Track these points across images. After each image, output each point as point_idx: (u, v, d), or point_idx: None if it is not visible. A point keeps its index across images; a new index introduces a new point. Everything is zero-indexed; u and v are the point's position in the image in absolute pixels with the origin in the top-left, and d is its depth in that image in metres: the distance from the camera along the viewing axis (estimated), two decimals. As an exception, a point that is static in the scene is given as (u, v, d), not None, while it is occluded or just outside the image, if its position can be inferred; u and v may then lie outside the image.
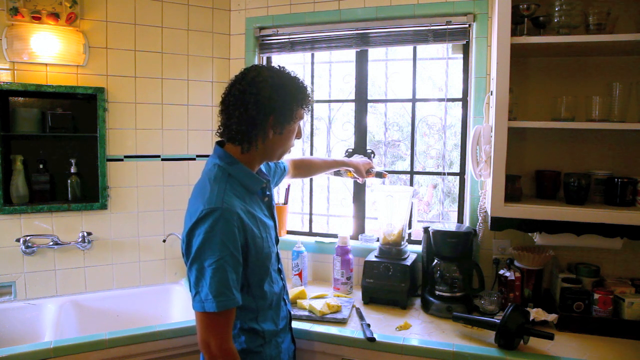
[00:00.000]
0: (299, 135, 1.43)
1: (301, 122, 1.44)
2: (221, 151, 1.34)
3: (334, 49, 2.36)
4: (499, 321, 1.58)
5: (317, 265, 2.37)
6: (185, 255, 1.26)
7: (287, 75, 1.35)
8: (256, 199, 1.39)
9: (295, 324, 1.71)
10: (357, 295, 2.08)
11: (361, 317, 1.84)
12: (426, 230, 2.05)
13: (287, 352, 1.48)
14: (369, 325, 1.74)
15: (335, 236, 2.33)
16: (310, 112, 1.42)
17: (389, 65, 2.47)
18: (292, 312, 1.61)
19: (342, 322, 1.79)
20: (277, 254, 1.49)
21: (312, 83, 2.51)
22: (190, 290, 1.24)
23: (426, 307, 1.94)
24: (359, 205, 2.42)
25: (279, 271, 1.49)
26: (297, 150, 2.61)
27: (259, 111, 1.27)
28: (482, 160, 1.87)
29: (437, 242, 1.97)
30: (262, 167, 1.52)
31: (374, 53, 2.42)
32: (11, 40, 2.03)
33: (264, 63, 2.53)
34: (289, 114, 1.31)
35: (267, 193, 1.45)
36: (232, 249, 1.20)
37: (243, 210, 1.26)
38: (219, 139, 1.38)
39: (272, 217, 1.46)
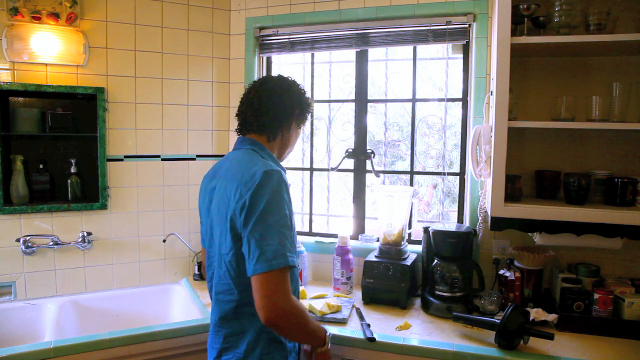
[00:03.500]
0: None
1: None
2: (252, 139, 1.44)
3: (334, 49, 2.36)
4: (499, 321, 1.58)
5: (317, 265, 2.37)
6: (243, 220, 1.23)
7: (304, 91, 1.54)
8: None
9: (295, 324, 1.71)
10: (357, 295, 2.08)
11: (361, 317, 1.84)
12: (426, 230, 2.05)
13: (296, 355, 1.48)
14: (369, 325, 1.74)
15: (335, 236, 2.33)
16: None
17: (389, 65, 2.47)
18: None
19: (342, 322, 1.79)
20: None
21: (312, 83, 2.51)
22: (250, 256, 1.21)
23: (426, 307, 1.94)
24: (359, 205, 2.42)
25: None
26: (297, 150, 2.61)
27: (290, 102, 1.45)
28: (482, 160, 1.87)
29: (437, 242, 1.97)
30: None
31: (374, 53, 2.42)
32: (11, 40, 2.03)
33: (264, 63, 2.54)
34: (307, 112, 1.52)
35: None
36: (289, 211, 1.28)
37: None
38: (239, 135, 1.49)
39: None
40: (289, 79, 1.52)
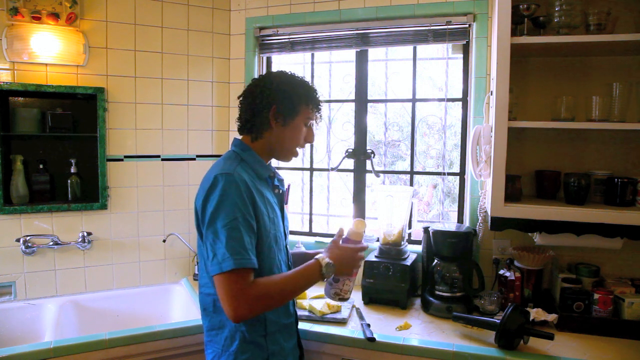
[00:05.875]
0: (309, 138, 1.50)
1: (314, 125, 1.51)
2: (237, 140, 1.46)
3: (334, 49, 2.36)
4: (499, 321, 1.58)
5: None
6: (200, 223, 1.31)
7: (296, 76, 1.47)
8: (267, 187, 1.44)
9: (295, 324, 1.71)
10: (357, 295, 2.08)
11: (361, 317, 1.84)
12: (426, 230, 2.05)
13: (292, 355, 1.47)
14: (369, 325, 1.74)
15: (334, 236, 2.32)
16: (320, 117, 1.52)
17: (389, 65, 2.47)
18: (298, 314, 1.59)
19: (342, 322, 1.79)
20: (286, 247, 1.50)
21: (312, 83, 2.50)
22: (207, 258, 1.27)
23: (426, 307, 1.94)
24: (359, 205, 2.42)
25: (289, 268, 1.50)
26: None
27: (262, 99, 1.39)
28: (482, 160, 1.87)
29: (437, 242, 1.97)
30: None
31: (374, 53, 2.42)
32: (11, 40, 2.03)
33: (264, 63, 2.54)
34: (291, 107, 1.41)
35: (277, 184, 1.49)
36: (244, 212, 1.26)
37: (252, 186, 1.33)
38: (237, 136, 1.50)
39: (281, 209, 1.49)
40: (276, 74, 1.46)
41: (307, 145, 2.52)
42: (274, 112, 1.39)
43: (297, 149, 1.49)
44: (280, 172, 2.58)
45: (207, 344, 1.42)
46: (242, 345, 1.34)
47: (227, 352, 1.35)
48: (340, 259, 1.41)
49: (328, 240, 2.35)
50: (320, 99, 1.50)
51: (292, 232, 2.51)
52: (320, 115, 1.51)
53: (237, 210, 1.24)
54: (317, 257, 1.38)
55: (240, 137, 1.47)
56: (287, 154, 1.48)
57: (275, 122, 1.40)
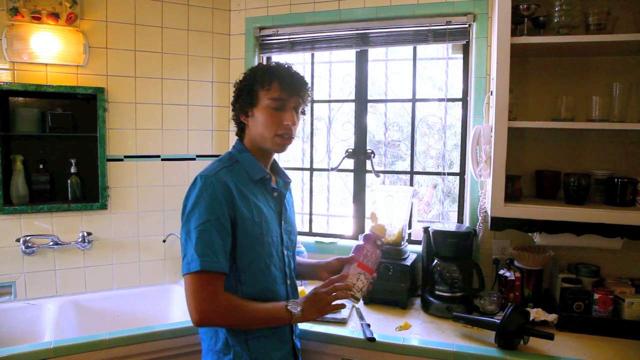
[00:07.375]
0: (285, 119, 1.35)
1: (287, 105, 1.36)
2: (237, 141, 1.48)
3: (334, 49, 2.36)
4: (499, 321, 1.58)
5: (317, 265, 2.37)
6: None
7: (260, 64, 1.49)
8: (262, 189, 1.41)
9: (295, 324, 1.70)
10: (357, 295, 2.08)
11: (361, 317, 1.83)
12: (426, 230, 2.05)
13: None
14: (369, 325, 1.74)
15: (335, 236, 2.32)
16: (285, 92, 1.35)
17: (389, 65, 2.47)
18: (299, 330, 1.54)
19: (342, 322, 1.79)
20: (283, 253, 1.44)
21: (312, 83, 2.50)
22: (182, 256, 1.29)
23: (426, 307, 1.94)
24: (359, 205, 2.42)
25: (285, 274, 1.44)
26: (297, 150, 2.62)
27: (235, 94, 1.44)
28: (482, 160, 1.87)
29: (437, 242, 1.97)
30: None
31: (374, 53, 2.42)
32: (11, 40, 2.03)
33: (264, 63, 2.54)
34: (250, 95, 1.38)
35: (274, 187, 1.44)
36: (219, 215, 1.25)
37: (235, 189, 1.31)
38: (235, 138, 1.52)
39: (278, 213, 1.45)
40: (254, 66, 1.47)
41: (307, 146, 2.54)
42: (238, 108, 1.42)
43: (279, 133, 1.35)
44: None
45: (202, 341, 1.43)
46: (225, 347, 1.33)
47: (212, 350, 1.36)
48: (308, 301, 1.33)
49: (328, 240, 2.36)
50: (269, 70, 1.37)
51: (292, 232, 2.50)
52: (288, 90, 1.34)
53: (212, 212, 1.24)
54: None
55: None
56: (267, 142, 1.37)
57: (246, 117, 1.41)
